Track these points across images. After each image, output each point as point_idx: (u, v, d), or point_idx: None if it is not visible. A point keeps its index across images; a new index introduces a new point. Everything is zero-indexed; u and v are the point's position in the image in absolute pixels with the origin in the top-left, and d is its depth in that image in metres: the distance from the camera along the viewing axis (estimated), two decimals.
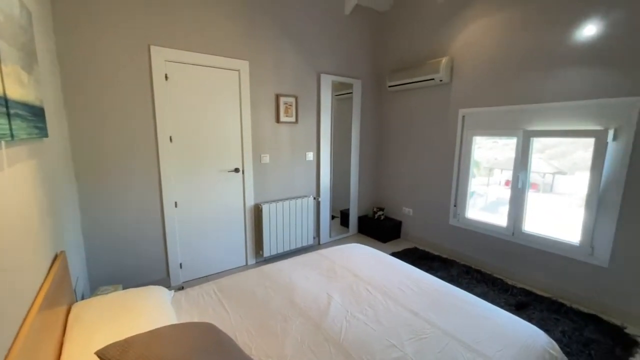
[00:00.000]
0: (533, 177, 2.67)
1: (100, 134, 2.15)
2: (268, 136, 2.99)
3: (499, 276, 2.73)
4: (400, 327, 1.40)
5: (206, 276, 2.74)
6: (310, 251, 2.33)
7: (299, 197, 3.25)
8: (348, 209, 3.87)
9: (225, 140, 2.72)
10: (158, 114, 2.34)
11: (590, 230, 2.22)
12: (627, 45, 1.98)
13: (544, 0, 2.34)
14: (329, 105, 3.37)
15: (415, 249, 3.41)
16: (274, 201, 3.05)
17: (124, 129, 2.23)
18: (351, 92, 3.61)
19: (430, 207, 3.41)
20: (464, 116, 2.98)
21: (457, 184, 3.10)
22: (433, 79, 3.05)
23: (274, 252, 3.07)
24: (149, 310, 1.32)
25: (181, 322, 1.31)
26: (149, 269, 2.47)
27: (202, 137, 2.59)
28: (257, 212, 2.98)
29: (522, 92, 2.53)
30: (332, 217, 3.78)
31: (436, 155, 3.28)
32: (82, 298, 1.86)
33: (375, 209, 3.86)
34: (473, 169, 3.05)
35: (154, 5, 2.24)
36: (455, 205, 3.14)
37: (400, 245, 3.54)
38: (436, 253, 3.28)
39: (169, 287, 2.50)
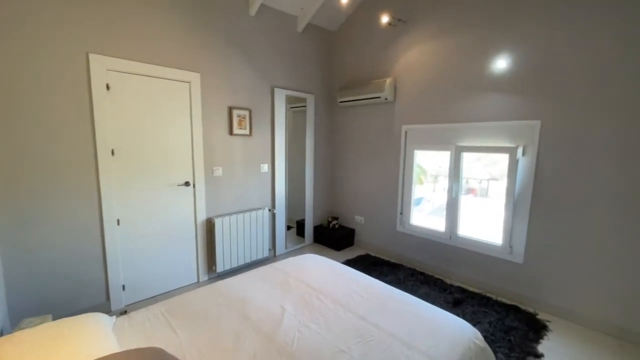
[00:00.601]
0: (472, 183, 3.01)
1: (26, 145, 1.94)
2: (221, 149, 2.95)
3: (439, 277, 3.02)
4: (349, 332, 1.50)
5: (154, 297, 2.58)
6: (267, 263, 2.34)
7: (254, 209, 3.24)
8: (304, 219, 3.95)
9: (175, 153, 2.63)
10: (98, 125, 2.19)
11: (509, 231, 2.60)
12: (529, 77, 2.40)
13: (465, 36, 2.72)
14: (283, 118, 3.44)
15: (368, 255, 3.60)
16: (227, 214, 3.00)
17: (56, 140, 2.05)
18: (306, 105, 3.73)
19: (379, 215, 3.64)
20: (406, 132, 3.27)
21: (402, 193, 3.37)
22: (379, 97, 3.31)
23: (227, 267, 3.00)
24: (84, 341, 1.22)
25: (124, 349, 1.24)
26: (85, 294, 2.26)
27: (149, 151, 2.47)
28: (210, 226, 2.90)
29: (453, 112, 2.88)
30: (288, 228, 3.81)
31: (384, 166, 3.53)
32: (2, 334, 1.64)
33: (330, 218, 4.00)
34: (420, 177, 3.35)
35: (92, 10, 2.12)
36: (401, 213, 3.40)
37: (353, 253, 3.70)
38: (386, 258, 3.50)
39: (109, 312, 2.31)
